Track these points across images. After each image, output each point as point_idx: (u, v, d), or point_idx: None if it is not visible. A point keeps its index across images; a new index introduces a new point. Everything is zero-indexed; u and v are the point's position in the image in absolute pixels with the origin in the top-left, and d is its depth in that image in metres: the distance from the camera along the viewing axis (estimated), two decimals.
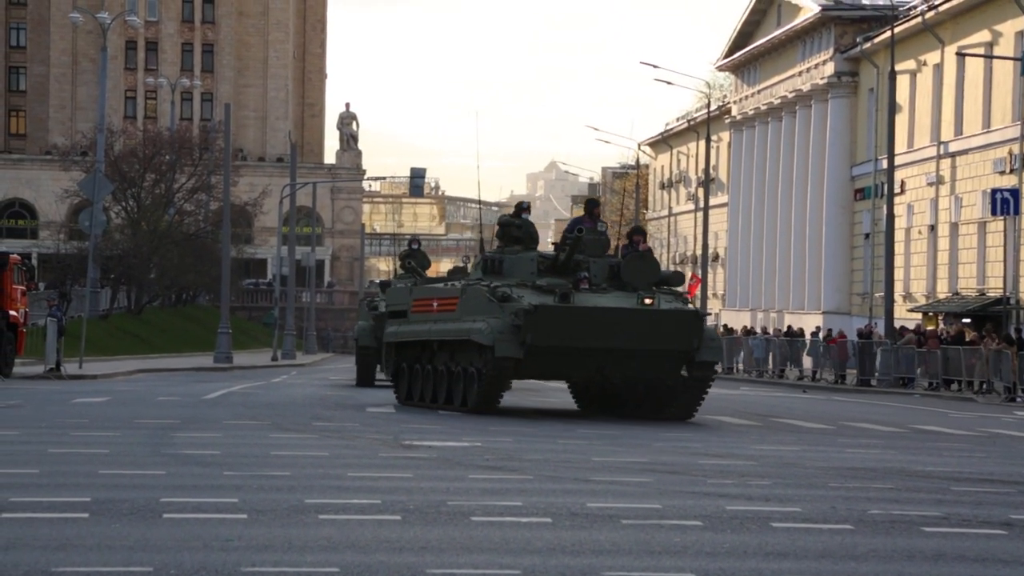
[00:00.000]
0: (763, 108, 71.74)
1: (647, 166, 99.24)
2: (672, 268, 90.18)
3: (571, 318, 22.42)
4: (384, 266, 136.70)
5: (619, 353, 22.62)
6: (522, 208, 25.36)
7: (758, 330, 59.84)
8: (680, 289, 24.36)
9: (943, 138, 54.27)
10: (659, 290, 23.12)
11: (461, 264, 37.32)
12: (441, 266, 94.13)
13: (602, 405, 25.52)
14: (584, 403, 26.35)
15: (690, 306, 23.89)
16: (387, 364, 27.27)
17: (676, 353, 22.79)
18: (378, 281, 41.62)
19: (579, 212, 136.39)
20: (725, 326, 62.45)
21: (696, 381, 23.30)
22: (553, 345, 22.43)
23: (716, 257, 79.38)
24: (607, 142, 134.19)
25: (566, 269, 23.42)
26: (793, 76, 67.38)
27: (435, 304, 24.87)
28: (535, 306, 22.31)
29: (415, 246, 37.19)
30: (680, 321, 22.79)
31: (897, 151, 48.94)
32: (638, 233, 25.00)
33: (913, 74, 56.55)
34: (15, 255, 38.46)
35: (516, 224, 24.70)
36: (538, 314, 22.23)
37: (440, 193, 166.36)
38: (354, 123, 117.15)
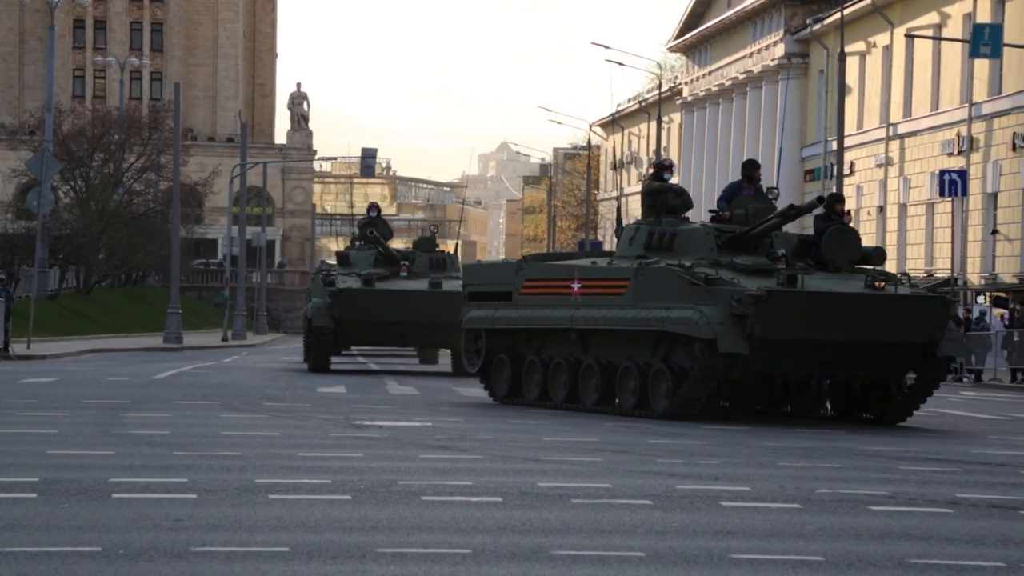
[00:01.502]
0: (714, 89, 71.94)
1: (598, 147, 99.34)
2: None
3: (803, 306, 18.54)
4: (335, 246, 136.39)
5: (848, 347, 18.92)
6: (664, 167, 21.40)
7: None
8: (884, 268, 20.25)
9: (892, 120, 54.61)
10: (863, 269, 19.55)
11: (428, 235, 34.71)
12: (392, 245, 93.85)
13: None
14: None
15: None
16: (468, 354, 22.75)
17: (915, 347, 19.13)
18: (334, 254, 36.29)
19: (533, 193, 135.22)
20: None
21: (928, 381, 19.73)
22: (778, 339, 18.43)
23: None
24: (559, 123, 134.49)
25: (754, 245, 19.58)
26: (744, 57, 67.59)
27: (576, 286, 20.42)
28: (768, 291, 18.24)
29: (374, 213, 33.94)
30: (924, 309, 19.05)
31: (847, 132, 49.19)
32: (839, 200, 20.66)
33: (863, 56, 56.85)
34: None
35: (674, 190, 20.89)
36: (771, 301, 18.20)
37: (391, 173, 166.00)
38: (305, 103, 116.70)
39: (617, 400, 20.20)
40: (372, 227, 32.55)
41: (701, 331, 18.42)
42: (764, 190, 20.58)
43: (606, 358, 20.24)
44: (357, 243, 34.66)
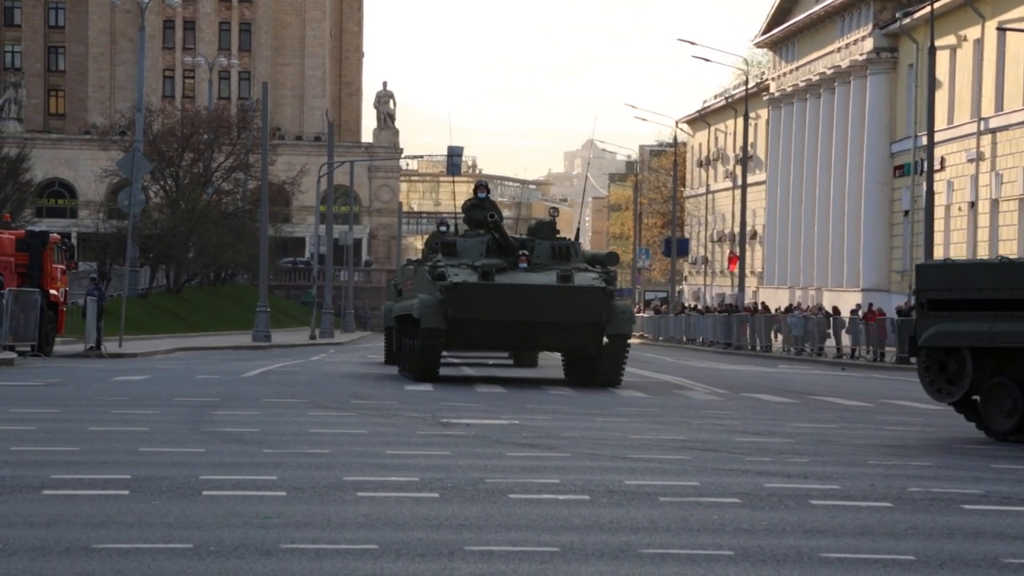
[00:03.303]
0: (801, 85, 71.43)
1: (685, 144, 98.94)
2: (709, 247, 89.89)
3: None
4: (420, 244, 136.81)
5: None
6: None
7: (796, 308, 59.66)
8: None
9: (983, 114, 53.94)
10: None
11: (548, 220, 28.68)
12: None
13: None
14: None
15: None
16: (934, 382, 17.25)
17: None
18: (439, 243, 27.82)
19: (619, 190, 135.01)
20: (763, 304, 62.33)
21: None
22: None
23: (754, 235, 79.19)
24: (644, 120, 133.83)
25: None
26: (832, 52, 67.06)
27: None
28: None
29: (483, 194, 28.02)
30: None
31: (937, 127, 48.65)
32: None
33: (953, 49, 56.19)
34: (55, 234, 38.69)
35: None
36: None
37: (477, 171, 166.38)
38: (391, 101, 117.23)
39: None
40: (480, 208, 27.47)
41: None
42: None
43: None
44: (443, 228, 30.48)
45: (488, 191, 28.50)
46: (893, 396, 26.47)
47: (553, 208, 31.16)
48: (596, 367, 26.65)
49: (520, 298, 25.60)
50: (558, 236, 27.90)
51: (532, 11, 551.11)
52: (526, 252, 26.45)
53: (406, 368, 28.77)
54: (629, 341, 26.95)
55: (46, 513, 9.26)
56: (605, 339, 26.20)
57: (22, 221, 61.81)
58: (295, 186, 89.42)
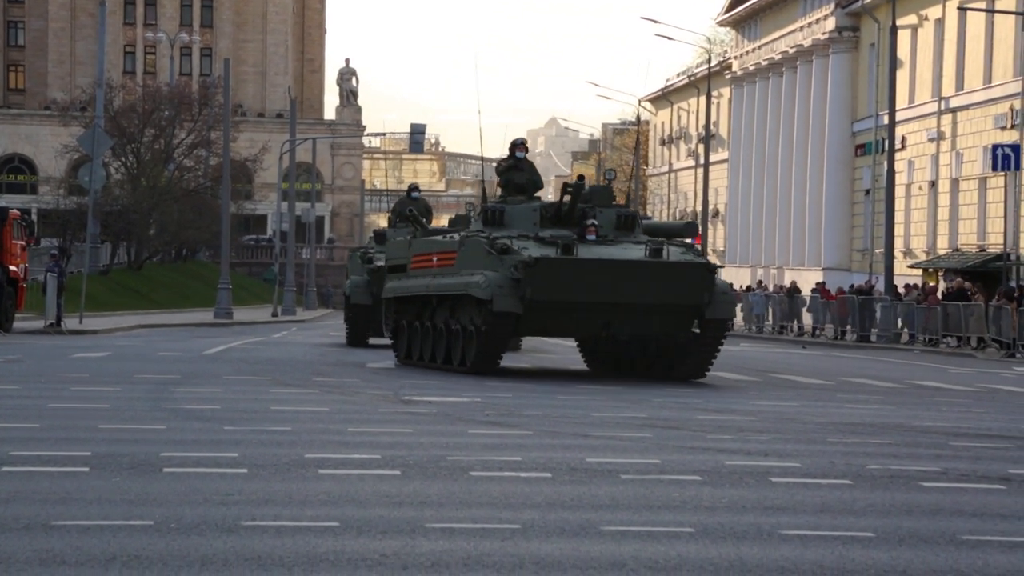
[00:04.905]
0: (764, 64, 71.57)
1: (647, 122, 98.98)
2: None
3: None
4: (383, 223, 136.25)
5: None
6: None
7: (757, 286, 59.88)
8: None
9: (944, 93, 54.16)
10: None
11: (605, 184, 25.39)
12: (442, 222, 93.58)
13: None
14: None
15: None
16: None
17: None
18: (480, 209, 24.09)
19: (581, 168, 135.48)
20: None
21: None
22: None
23: (716, 213, 79.34)
24: (607, 98, 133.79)
25: None
26: (794, 31, 67.19)
27: None
28: None
29: (521, 153, 24.39)
30: None
31: (898, 107, 48.80)
32: None
33: (914, 29, 56.38)
34: (15, 210, 38.44)
35: None
36: None
37: (440, 149, 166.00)
38: (354, 79, 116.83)
39: None
40: (520, 171, 23.87)
41: None
42: None
43: None
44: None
45: (527, 149, 24.75)
46: (853, 374, 26.61)
47: (609, 171, 27.07)
48: (683, 357, 22.84)
49: (610, 276, 21.71)
50: (614, 204, 24.21)
51: None
52: (594, 223, 22.50)
53: (414, 357, 25.00)
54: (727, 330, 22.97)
55: (5, 490, 9.21)
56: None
57: None
58: (257, 163, 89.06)
